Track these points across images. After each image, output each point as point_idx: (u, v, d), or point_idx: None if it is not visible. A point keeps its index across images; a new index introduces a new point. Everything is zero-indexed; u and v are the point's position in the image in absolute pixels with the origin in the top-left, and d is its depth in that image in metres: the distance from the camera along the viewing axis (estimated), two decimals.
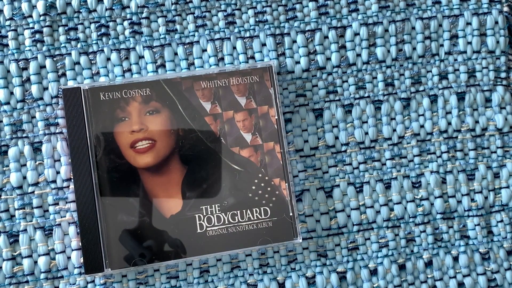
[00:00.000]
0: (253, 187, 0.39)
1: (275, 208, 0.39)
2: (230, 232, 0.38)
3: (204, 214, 0.38)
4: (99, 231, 0.37)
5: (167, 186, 0.38)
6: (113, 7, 0.41)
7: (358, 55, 0.43)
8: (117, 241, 0.37)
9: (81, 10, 0.41)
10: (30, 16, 0.40)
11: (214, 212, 0.38)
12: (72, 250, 0.39)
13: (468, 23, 0.44)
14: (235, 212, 0.38)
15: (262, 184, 0.39)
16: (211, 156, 0.39)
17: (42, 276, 0.39)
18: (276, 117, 0.40)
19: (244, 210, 0.39)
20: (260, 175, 0.39)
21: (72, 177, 0.38)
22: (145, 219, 0.38)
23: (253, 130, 0.39)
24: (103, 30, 0.41)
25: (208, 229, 0.38)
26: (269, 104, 0.40)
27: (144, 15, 0.41)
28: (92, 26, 0.41)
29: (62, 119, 0.40)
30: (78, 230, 0.38)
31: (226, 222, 0.38)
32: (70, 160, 0.38)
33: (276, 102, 0.40)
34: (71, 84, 0.40)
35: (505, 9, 0.44)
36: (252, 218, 0.38)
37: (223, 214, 0.38)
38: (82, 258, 0.38)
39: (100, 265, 0.37)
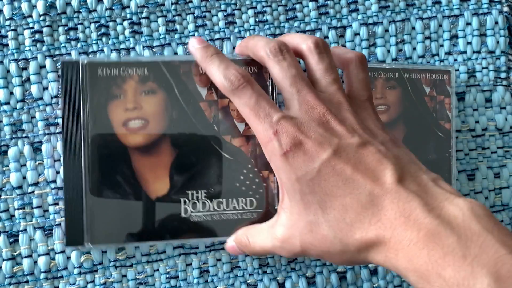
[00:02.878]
0: (241, 177, 0.39)
1: (261, 201, 0.39)
2: (214, 219, 0.38)
3: (190, 199, 0.38)
4: (83, 207, 0.37)
5: (156, 167, 0.38)
6: (113, 7, 0.41)
7: None
8: (101, 218, 0.37)
9: (81, 10, 0.41)
10: (30, 16, 0.40)
11: (200, 198, 0.38)
12: (72, 250, 0.39)
13: (468, 23, 0.44)
14: (221, 200, 0.38)
15: (251, 175, 0.39)
16: (202, 142, 0.38)
17: (42, 276, 0.39)
18: None
19: (230, 199, 0.38)
20: (249, 165, 0.39)
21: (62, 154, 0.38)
22: (131, 198, 0.37)
23: None
24: (103, 30, 0.41)
25: (192, 214, 0.38)
26: None
27: (144, 15, 0.41)
28: (92, 26, 0.41)
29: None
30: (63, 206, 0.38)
31: (211, 209, 0.38)
32: (62, 133, 0.37)
33: (272, 95, 0.39)
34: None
35: (505, 9, 0.44)
36: (237, 208, 0.38)
37: (208, 200, 0.38)
38: (64, 231, 0.38)
39: (81, 239, 0.37)
